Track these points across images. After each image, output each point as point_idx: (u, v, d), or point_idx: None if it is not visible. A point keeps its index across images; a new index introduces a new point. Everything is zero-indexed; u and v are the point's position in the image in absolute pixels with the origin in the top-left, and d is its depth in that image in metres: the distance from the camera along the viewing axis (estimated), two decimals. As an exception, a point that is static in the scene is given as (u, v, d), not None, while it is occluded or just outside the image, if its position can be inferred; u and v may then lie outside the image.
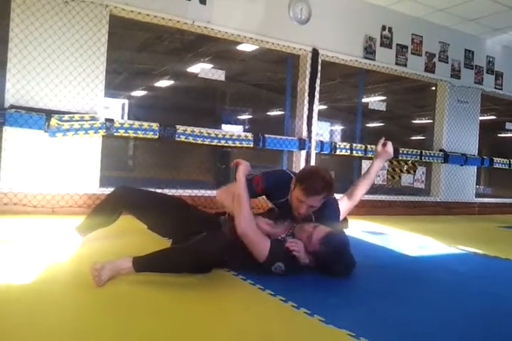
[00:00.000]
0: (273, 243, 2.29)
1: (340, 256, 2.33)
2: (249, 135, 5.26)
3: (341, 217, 2.81)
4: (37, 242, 2.85)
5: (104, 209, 2.68)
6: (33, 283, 2.01)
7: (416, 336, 1.69)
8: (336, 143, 5.91)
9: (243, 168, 2.47)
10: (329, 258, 2.32)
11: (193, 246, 2.13)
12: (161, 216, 2.59)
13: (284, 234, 2.43)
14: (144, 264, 2.07)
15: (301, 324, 1.74)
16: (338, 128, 13.94)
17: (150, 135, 4.62)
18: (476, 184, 7.58)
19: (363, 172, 6.22)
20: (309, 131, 5.69)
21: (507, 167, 7.65)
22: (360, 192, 2.88)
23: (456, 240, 4.12)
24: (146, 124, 4.60)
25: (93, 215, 2.70)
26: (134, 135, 4.58)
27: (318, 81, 5.73)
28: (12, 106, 4.06)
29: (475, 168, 7.31)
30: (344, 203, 2.83)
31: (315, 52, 5.68)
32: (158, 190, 4.68)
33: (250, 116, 13.04)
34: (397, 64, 6.41)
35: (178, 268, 2.11)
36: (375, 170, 2.94)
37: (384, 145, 2.98)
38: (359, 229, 4.29)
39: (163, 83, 11.10)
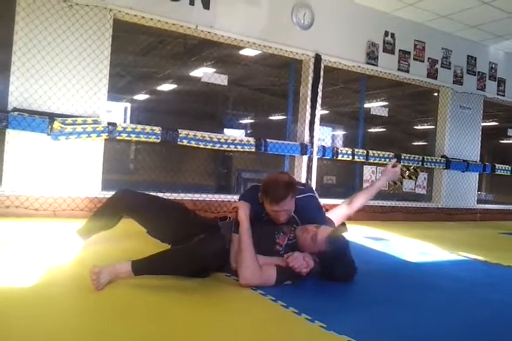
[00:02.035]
0: (279, 271, 2.25)
1: (344, 255, 2.36)
2: (252, 139, 5.26)
3: (337, 222, 2.86)
4: (38, 245, 2.85)
5: (105, 212, 2.68)
6: (35, 286, 2.01)
7: (417, 343, 1.68)
8: (337, 149, 5.92)
9: (242, 212, 2.34)
10: (335, 258, 2.33)
11: (190, 248, 2.13)
12: (160, 220, 2.59)
13: (284, 243, 2.40)
14: (143, 267, 2.07)
15: (302, 330, 1.74)
16: (340, 133, 13.93)
17: (152, 139, 4.63)
18: (478, 190, 7.57)
19: (364, 177, 6.24)
20: (311, 136, 5.69)
21: (509, 173, 7.65)
22: (359, 202, 2.99)
23: (457, 246, 4.11)
24: (148, 128, 4.62)
25: (94, 219, 2.70)
26: (137, 139, 4.60)
27: (320, 86, 5.75)
28: (15, 109, 4.08)
29: (477, 174, 7.31)
30: (342, 209, 2.94)
31: (317, 58, 5.69)
32: (160, 194, 4.70)
33: (252, 121, 13.05)
34: (399, 70, 6.42)
35: (175, 270, 2.11)
36: (377, 187, 3.10)
37: (394, 166, 3.14)
38: (360, 235, 4.29)
39: (166, 87, 11.10)
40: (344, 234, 2.57)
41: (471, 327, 1.91)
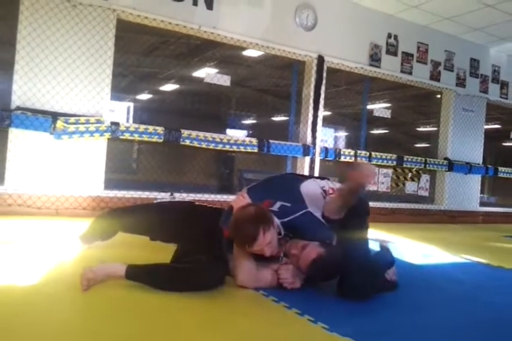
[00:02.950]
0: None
1: (343, 271, 2.14)
2: (254, 140, 5.26)
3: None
4: (40, 243, 2.86)
5: (101, 226, 2.66)
6: (36, 285, 2.01)
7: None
8: (340, 150, 5.91)
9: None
10: (324, 280, 2.26)
11: (191, 272, 2.06)
12: (158, 227, 2.56)
13: (281, 253, 2.29)
14: (136, 276, 2.04)
15: (305, 331, 1.73)
16: (343, 134, 13.93)
17: (155, 138, 4.63)
18: (480, 193, 7.56)
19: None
20: (314, 137, 5.69)
21: (511, 176, 7.63)
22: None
23: (460, 249, 4.10)
24: (151, 128, 4.62)
25: (93, 228, 2.69)
26: (139, 138, 4.60)
27: (323, 87, 5.74)
28: (18, 108, 4.08)
29: (479, 176, 7.30)
30: None
31: (320, 59, 5.69)
32: (162, 194, 4.70)
33: (255, 122, 13.05)
34: (402, 72, 6.41)
35: (168, 288, 2.01)
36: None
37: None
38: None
39: (169, 87, 11.12)
40: (357, 242, 2.37)
41: (474, 329, 1.90)
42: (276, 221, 2.22)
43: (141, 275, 2.05)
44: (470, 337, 1.80)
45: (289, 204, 2.38)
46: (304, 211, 2.36)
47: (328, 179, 2.64)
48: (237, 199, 2.46)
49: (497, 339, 1.81)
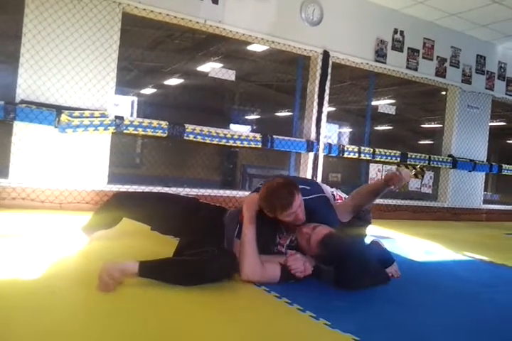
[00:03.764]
0: (283, 270, 2.22)
1: (342, 259, 2.18)
2: (258, 135, 5.25)
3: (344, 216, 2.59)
4: (44, 237, 2.87)
5: (105, 214, 2.67)
6: (39, 279, 2.02)
7: (421, 342, 1.68)
8: (344, 146, 5.90)
9: (246, 207, 2.30)
10: (331, 262, 2.25)
11: (202, 265, 2.06)
12: (161, 217, 2.56)
13: (286, 243, 2.36)
14: (149, 272, 2.02)
15: (306, 327, 1.74)
16: (347, 130, 13.90)
17: (159, 133, 4.63)
18: (484, 190, 7.54)
19: (370, 175, 6.23)
20: (318, 132, 5.68)
21: (516, 174, 7.61)
22: (359, 199, 2.59)
23: (462, 246, 4.10)
24: (155, 122, 4.62)
25: (96, 217, 2.70)
26: (143, 133, 4.59)
27: (328, 83, 5.72)
28: (23, 101, 4.09)
29: (483, 174, 7.28)
30: (346, 207, 2.60)
31: (326, 54, 5.67)
32: (166, 189, 4.71)
33: (259, 117, 13.03)
34: (407, 68, 6.39)
35: (181, 281, 2.01)
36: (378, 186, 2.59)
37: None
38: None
39: (173, 81, 11.11)
40: (356, 237, 2.47)
41: (476, 327, 1.90)
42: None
43: (155, 271, 2.04)
44: (472, 335, 1.80)
45: (308, 187, 2.51)
46: (321, 194, 2.54)
47: (337, 188, 2.74)
48: (251, 195, 2.48)
49: (499, 336, 1.81)
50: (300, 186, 2.38)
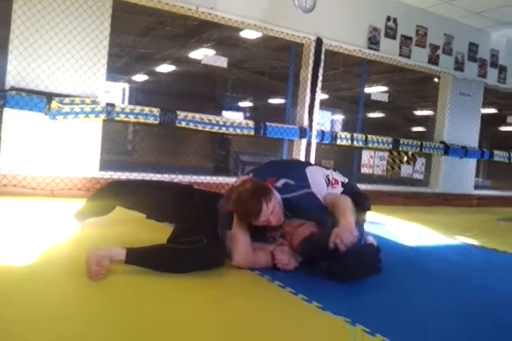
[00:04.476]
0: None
1: (325, 258, 2.16)
2: (251, 122, 5.24)
3: None
4: (35, 224, 2.86)
5: (99, 202, 2.67)
6: (31, 265, 2.02)
7: (413, 324, 1.70)
8: (336, 133, 5.90)
9: None
10: (313, 262, 2.26)
11: (190, 254, 2.05)
12: (155, 205, 2.56)
13: (277, 235, 2.33)
14: (136, 259, 1.99)
15: (299, 310, 1.75)
16: (340, 117, 13.91)
17: (151, 120, 4.60)
18: (475, 176, 7.60)
19: (362, 162, 6.25)
20: (310, 119, 5.67)
21: (506, 160, 7.66)
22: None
23: (454, 231, 4.13)
24: (147, 109, 4.59)
25: (89, 204, 2.70)
26: (135, 120, 4.57)
27: (321, 70, 5.70)
28: (13, 88, 4.05)
29: (475, 160, 7.32)
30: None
31: (319, 41, 5.64)
32: (158, 175, 4.71)
33: (251, 104, 13.00)
34: (400, 55, 6.37)
35: (168, 269, 2.01)
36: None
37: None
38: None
39: (165, 68, 11.04)
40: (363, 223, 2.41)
41: (467, 311, 1.93)
42: (276, 193, 2.25)
43: (143, 258, 2.01)
44: (462, 319, 1.82)
45: (292, 182, 2.39)
46: (306, 191, 2.37)
47: (335, 170, 2.63)
48: (239, 181, 2.46)
49: (489, 321, 1.84)
50: (282, 181, 2.33)
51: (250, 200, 2.13)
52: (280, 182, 2.36)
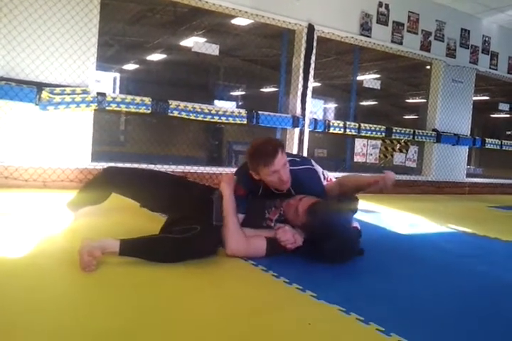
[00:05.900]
0: (270, 243, 2.23)
1: (330, 227, 2.17)
2: (243, 111, 5.22)
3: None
4: (28, 216, 2.84)
5: (93, 189, 2.64)
6: (24, 257, 2.01)
7: (406, 311, 1.71)
8: (329, 121, 5.90)
9: (224, 185, 2.34)
10: (319, 230, 2.21)
11: (184, 242, 2.05)
12: (151, 195, 2.55)
13: (274, 217, 2.37)
14: (130, 250, 1.99)
15: (293, 299, 1.76)
16: (332, 106, 13.89)
17: (142, 109, 4.57)
18: (467, 164, 7.63)
19: (355, 150, 6.25)
20: (303, 108, 5.65)
21: (498, 147, 7.70)
22: (349, 188, 2.57)
23: (446, 219, 4.16)
24: (138, 99, 4.55)
25: (83, 193, 2.68)
26: (126, 109, 4.54)
27: (313, 57, 5.67)
28: (2, 79, 3.99)
29: (466, 148, 7.35)
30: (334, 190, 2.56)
31: (310, 28, 5.60)
32: (151, 166, 4.69)
33: (244, 93, 12.93)
34: (392, 42, 6.35)
35: (162, 259, 2.01)
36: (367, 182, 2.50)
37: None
38: (350, 207, 4.31)
39: (156, 57, 10.94)
40: (346, 209, 2.44)
41: (458, 298, 1.95)
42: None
43: (137, 250, 2.01)
44: (453, 306, 1.84)
45: (298, 159, 2.53)
46: (309, 166, 2.53)
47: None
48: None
49: (480, 307, 1.86)
50: (289, 158, 2.38)
51: (267, 145, 2.25)
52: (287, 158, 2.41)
